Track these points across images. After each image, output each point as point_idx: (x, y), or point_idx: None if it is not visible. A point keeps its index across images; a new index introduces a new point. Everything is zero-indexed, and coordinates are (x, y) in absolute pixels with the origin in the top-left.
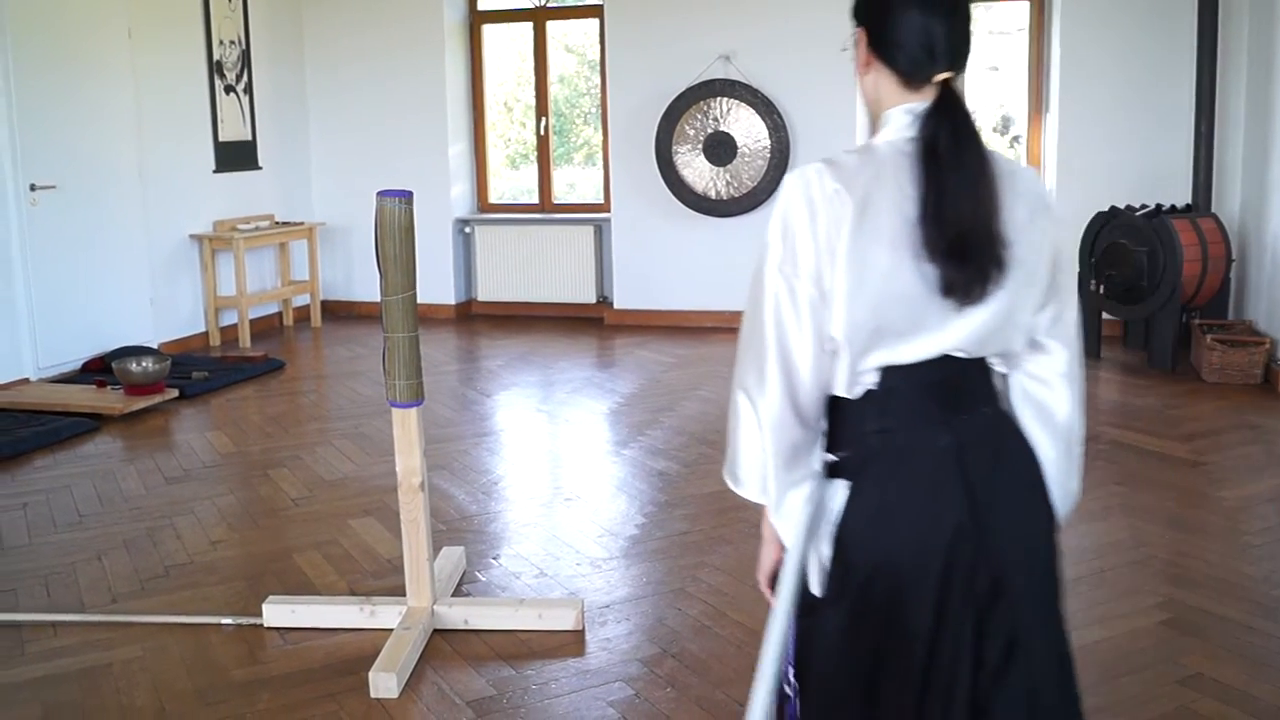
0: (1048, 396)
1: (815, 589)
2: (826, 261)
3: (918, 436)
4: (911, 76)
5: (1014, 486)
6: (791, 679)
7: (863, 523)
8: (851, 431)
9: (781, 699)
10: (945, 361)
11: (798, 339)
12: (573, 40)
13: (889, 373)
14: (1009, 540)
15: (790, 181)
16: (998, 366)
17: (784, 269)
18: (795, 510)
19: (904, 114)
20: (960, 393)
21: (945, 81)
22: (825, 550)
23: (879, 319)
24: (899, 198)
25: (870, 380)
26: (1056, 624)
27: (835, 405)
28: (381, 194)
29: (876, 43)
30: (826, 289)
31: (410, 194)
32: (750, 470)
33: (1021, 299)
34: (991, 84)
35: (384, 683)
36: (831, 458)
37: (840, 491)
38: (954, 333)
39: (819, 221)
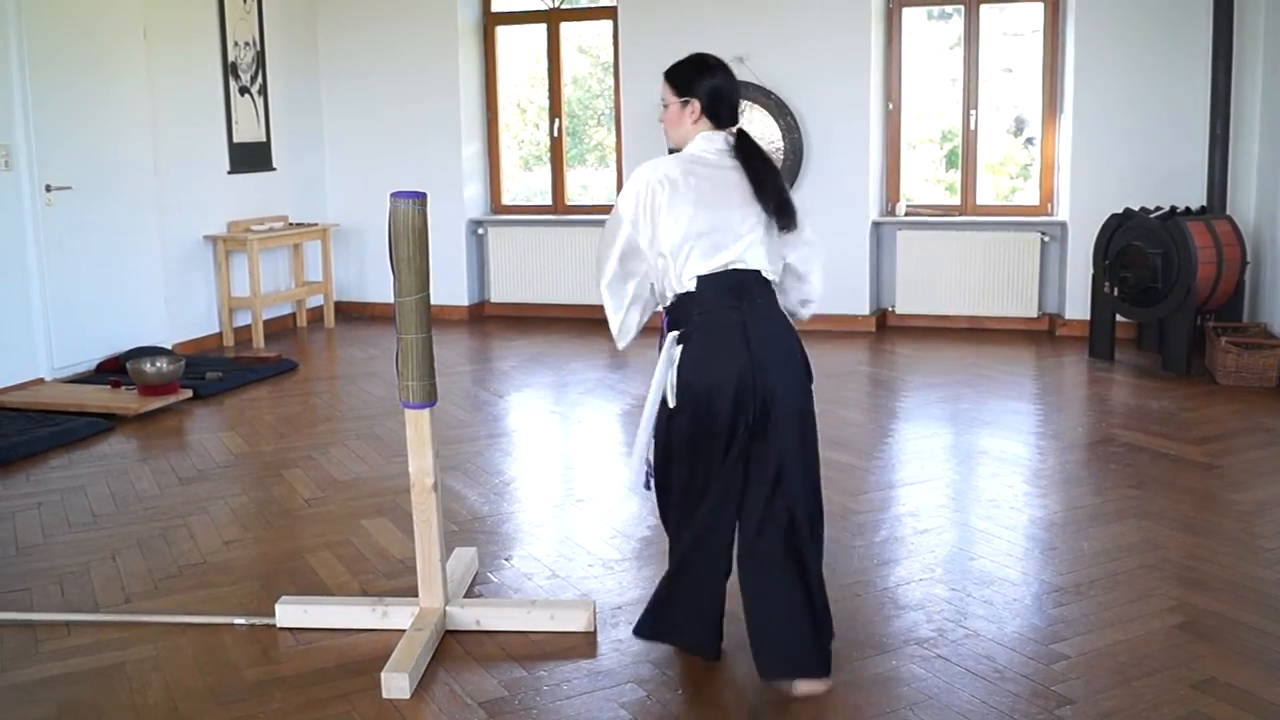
0: (802, 303)
1: (671, 403)
2: (651, 214)
3: (720, 315)
4: (724, 125)
5: (777, 348)
6: (651, 458)
7: (691, 364)
8: (685, 313)
9: (646, 472)
10: (734, 272)
11: (633, 252)
12: (586, 42)
13: (702, 279)
14: (773, 377)
15: (640, 170)
16: (770, 276)
17: (628, 216)
18: (663, 357)
19: (705, 140)
20: (745, 291)
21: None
22: (673, 378)
23: (688, 243)
24: (696, 180)
25: (691, 284)
26: (811, 456)
27: (678, 299)
28: (395, 195)
29: (709, 111)
30: (656, 225)
31: (424, 195)
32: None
33: (786, 239)
34: (1006, 86)
35: (396, 683)
36: (676, 332)
37: (680, 349)
38: (734, 252)
39: (652, 192)
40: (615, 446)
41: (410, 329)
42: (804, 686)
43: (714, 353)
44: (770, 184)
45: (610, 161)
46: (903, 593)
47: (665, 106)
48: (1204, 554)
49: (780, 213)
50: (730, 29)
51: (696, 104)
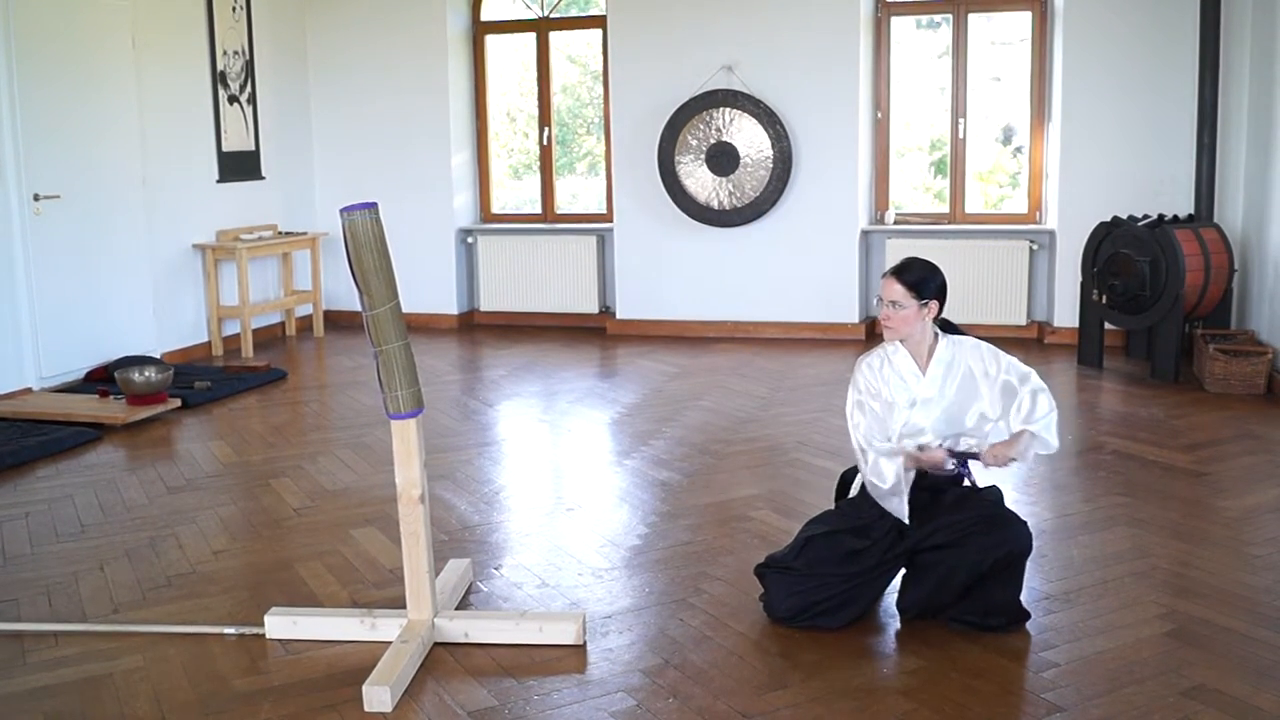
0: None
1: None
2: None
3: None
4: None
5: None
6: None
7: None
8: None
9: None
10: None
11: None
12: (575, 50)
13: None
14: None
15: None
16: None
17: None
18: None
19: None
20: None
21: None
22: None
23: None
24: None
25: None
26: None
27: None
28: (347, 209)
29: (942, 306)
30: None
31: (375, 204)
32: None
33: None
34: (994, 94)
35: (377, 696)
36: None
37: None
38: None
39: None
40: (605, 455)
41: (390, 339)
42: None
43: None
44: None
45: (600, 170)
46: (892, 600)
47: (896, 305)
48: (1193, 561)
49: None
50: (720, 37)
51: (935, 304)
